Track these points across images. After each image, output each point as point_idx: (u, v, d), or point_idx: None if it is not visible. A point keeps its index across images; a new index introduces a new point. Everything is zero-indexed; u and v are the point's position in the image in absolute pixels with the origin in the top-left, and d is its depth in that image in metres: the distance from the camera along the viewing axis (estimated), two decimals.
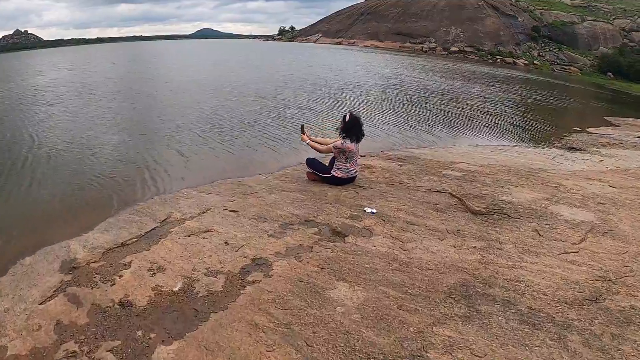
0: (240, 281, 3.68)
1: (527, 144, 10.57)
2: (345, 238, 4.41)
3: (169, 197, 5.85)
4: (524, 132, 12.03)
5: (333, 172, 5.79)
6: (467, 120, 12.93)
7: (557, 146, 10.24)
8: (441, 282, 3.59)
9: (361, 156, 7.48)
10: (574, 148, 10.01)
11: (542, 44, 53.72)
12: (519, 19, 56.45)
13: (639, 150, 9.73)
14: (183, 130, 9.89)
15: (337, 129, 5.81)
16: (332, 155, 5.97)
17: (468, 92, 19.56)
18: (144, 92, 16.51)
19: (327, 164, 6.06)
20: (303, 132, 6.24)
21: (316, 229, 4.62)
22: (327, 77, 21.24)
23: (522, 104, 17.46)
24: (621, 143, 10.76)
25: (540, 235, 4.43)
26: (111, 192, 6.15)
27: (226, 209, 5.25)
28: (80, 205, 5.73)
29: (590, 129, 12.87)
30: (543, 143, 10.67)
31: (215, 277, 3.74)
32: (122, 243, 4.43)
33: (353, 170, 5.86)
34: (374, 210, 5.02)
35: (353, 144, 5.67)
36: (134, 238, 4.53)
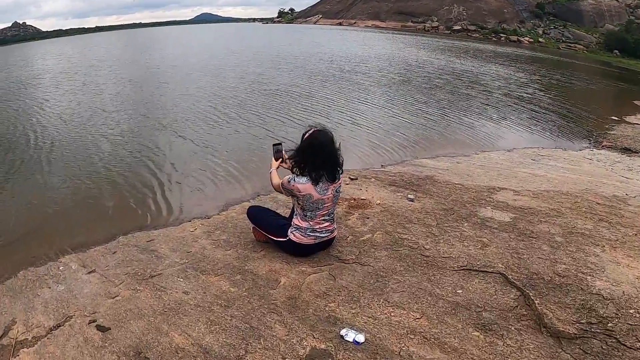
0: None
1: (568, 142, 7.80)
2: None
3: (32, 276, 3.27)
4: (558, 123, 9.23)
5: (290, 235, 3.10)
6: (495, 107, 10.11)
7: (607, 147, 7.48)
8: None
9: (351, 179, 4.78)
10: (629, 149, 7.23)
11: (547, 22, 49.95)
12: None
13: None
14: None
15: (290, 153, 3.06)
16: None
17: (487, 72, 16.66)
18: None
19: (283, 218, 3.36)
20: (277, 156, 3.31)
21: None
22: (331, 59, 18.22)
23: (546, 86, 14.55)
24: None
25: None
26: None
27: (93, 323, 2.64)
28: None
29: (628, 118, 10.28)
30: (586, 140, 7.92)
31: None
32: None
33: (322, 229, 3.12)
34: (361, 339, 2.36)
35: (308, 183, 2.90)
36: None
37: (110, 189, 5.06)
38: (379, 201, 4.24)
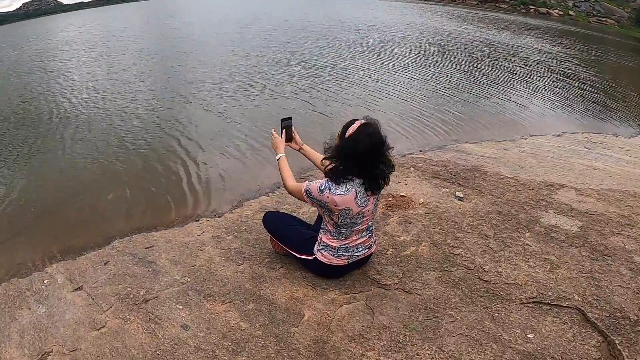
0: None
1: (618, 126, 6.90)
2: None
3: (13, 292, 2.83)
4: (605, 104, 8.25)
5: (317, 253, 2.44)
6: (538, 84, 9.14)
7: None
8: None
9: None
10: None
11: None
12: None
13: None
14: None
15: (325, 150, 2.27)
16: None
17: (522, 45, 15.40)
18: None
19: (308, 226, 2.65)
20: (285, 131, 2.58)
21: None
22: (359, 27, 17.08)
23: (586, 61, 13.29)
24: None
25: None
26: None
27: None
28: None
29: None
30: (638, 126, 6.95)
31: None
32: None
33: (357, 245, 2.39)
34: None
35: (349, 193, 2.15)
36: None
37: (111, 177, 4.46)
38: (422, 199, 3.51)
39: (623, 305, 2.34)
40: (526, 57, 12.58)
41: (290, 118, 2.57)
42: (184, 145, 5.22)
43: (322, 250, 2.34)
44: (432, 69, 9.94)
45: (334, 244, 2.29)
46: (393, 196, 3.56)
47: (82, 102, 7.50)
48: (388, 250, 2.80)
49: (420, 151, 4.95)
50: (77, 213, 3.78)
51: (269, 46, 12.60)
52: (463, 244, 2.88)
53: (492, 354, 2.02)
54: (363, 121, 2.11)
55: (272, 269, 2.66)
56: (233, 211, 3.50)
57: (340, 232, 2.26)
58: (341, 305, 2.33)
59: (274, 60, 10.38)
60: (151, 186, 4.20)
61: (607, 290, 2.46)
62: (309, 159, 2.66)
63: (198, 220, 3.35)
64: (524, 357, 2.01)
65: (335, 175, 2.10)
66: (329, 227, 2.26)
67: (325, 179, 2.15)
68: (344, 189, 2.11)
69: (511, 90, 8.33)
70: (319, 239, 2.36)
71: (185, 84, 8.26)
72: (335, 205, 2.12)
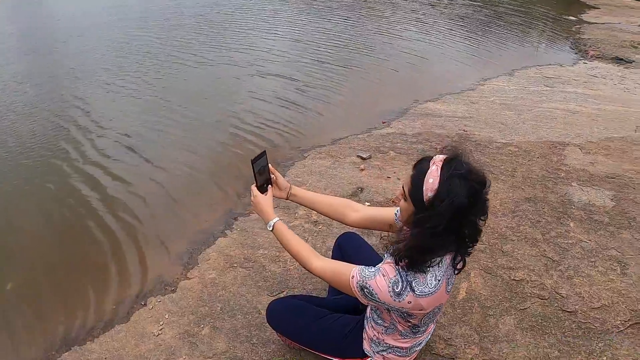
0: None
1: (555, 53, 6.79)
2: None
3: None
4: (526, 29, 8.12)
5: (375, 356, 1.49)
6: (454, 31, 8.61)
7: (595, 57, 6.59)
8: None
9: (362, 158, 3.32)
10: (621, 59, 6.33)
11: None
12: None
13: None
14: None
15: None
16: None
17: None
18: None
19: (340, 318, 1.64)
20: (264, 179, 1.55)
21: None
22: None
23: None
24: None
25: None
26: None
27: None
28: None
29: (584, 16, 9.66)
30: (571, 50, 6.92)
31: None
32: None
33: (429, 333, 1.54)
34: None
35: (440, 287, 1.23)
36: None
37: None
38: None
39: None
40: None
41: (264, 153, 1.51)
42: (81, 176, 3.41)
43: (385, 353, 1.51)
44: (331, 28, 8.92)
45: (405, 345, 1.48)
46: (393, 201, 2.79)
47: None
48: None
49: (383, 122, 4.18)
50: None
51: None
52: (517, 260, 2.27)
53: None
54: (444, 156, 1.22)
55: None
56: (189, 275, 2.33)
57: (418, 331, 1.45)
58: None
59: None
60: (58, 261, 2.60)
61: None
62: (309, 207, 1.70)
63: (145, 304, 2.19)
64: None
65: (421, 261, 1.23)
66: (399, 328, 1.43)
67: (396, 268, 1.25)
68: (434, 282, 1.22)
69: (427, 39, 7.34)
70: (375, 337, 1.50)
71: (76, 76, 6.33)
72: (420, 310, 1.28)
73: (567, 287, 2.11)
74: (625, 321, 1.93)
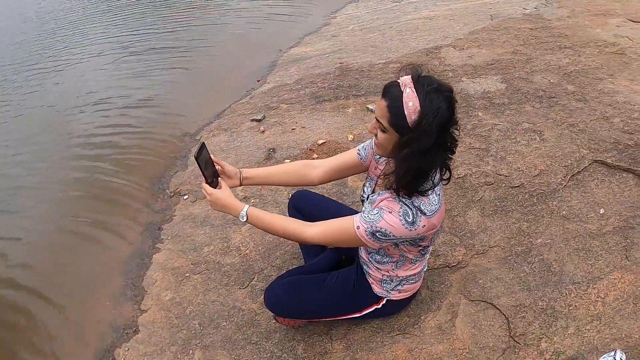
0: None
1: None
2: None
3: None
4: None
5: (391, 293, 1.40)
6: None
7: None
8: None
9: (257, 120, 3.06)
10: None
11: None
12: None
13: None
14: None
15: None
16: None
17: None
18: None
19: (328, 262, 1.55)
20: (207, 175, 1.25)
21: None
22: None
23: None
24: None
25: None
26: None
27: None
28: None
29: None
30: None
31: None
32: None
33: (427, 257, 1.42)
34: None
35: (441, 201, 1.17)
36: None
37: None
38: (351, 136, 2.64)
39: (617, 138, 2.20)
40: None
41: (204, 145, 1.21)
42: None
43: (400, 287, 1.37)
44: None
45: (417, 270, 1.35)
46: (311, 149, 2.57)
47: None
48: None
49: (258, 81, 3.85)
50: None
51: None
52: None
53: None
54: (408, 76, 1.05)
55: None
56: (143, 308, 1.73)
57: (427, 251, 1.33)
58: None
59: None
60: None
61: (593, 131, 2.27)
62: (267, 183, 1.57)
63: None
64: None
65: (419, 183, 1.11)
66: (409, 257, 1.28)
67: (398, 198, 1.14)
68: (436, 198, 1.16)
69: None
70: (386, 276, 1.36)
71: None
72: (433, 229, 1.17)
73: (505, 167, 2.15)
74: (565, 176, 2.05)
